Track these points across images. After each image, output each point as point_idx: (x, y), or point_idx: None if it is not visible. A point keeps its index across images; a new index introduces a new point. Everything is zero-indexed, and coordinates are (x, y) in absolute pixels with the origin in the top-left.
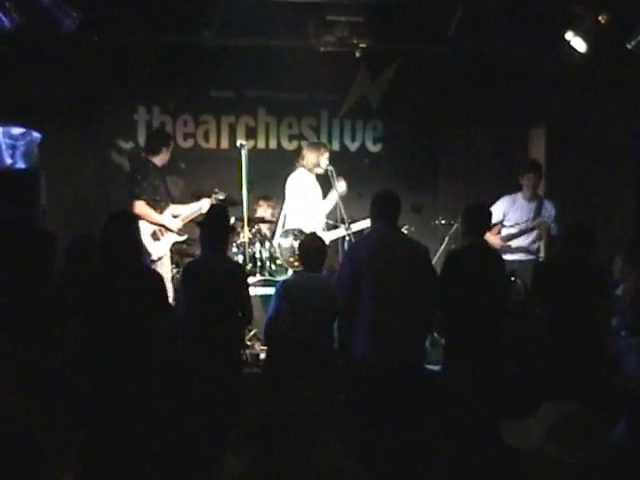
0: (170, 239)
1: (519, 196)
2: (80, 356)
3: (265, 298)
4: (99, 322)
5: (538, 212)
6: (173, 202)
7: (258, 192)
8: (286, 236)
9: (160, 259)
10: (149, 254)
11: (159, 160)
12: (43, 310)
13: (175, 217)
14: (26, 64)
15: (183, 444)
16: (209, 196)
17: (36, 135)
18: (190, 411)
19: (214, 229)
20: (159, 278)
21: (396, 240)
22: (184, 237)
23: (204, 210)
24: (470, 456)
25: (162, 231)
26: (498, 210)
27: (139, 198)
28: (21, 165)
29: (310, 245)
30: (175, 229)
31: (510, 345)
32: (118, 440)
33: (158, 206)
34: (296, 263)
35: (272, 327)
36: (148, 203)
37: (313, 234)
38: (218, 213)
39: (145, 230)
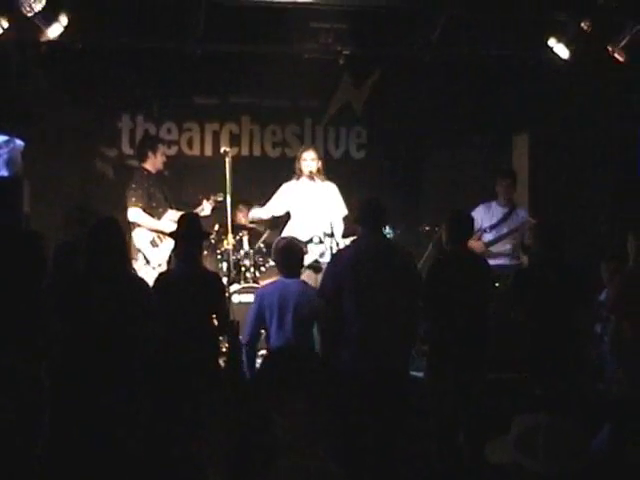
0: (170, 245)
1: (494, 203)
2: (60, 361)
3: (249, 305)
4: (80, 328)
5: (506, 218)
6: (171, 207)
7: (241, 198)
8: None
9: (160, 265)
10: (148, 261)
11: (151, 166)
12: (31, 313)
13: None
14: (9, 71)
15: (160, 454)
16: (208, 199)
17: (19, 143)
18: (164, 420)
19: (186, 238)
20: (144, 286)
21: (379, 248)
22: None
23: (205, 213)
24: (452, 461)
25: (161, 237)
26: (474, 218)
27: (135, 205)
28: (4, 173)
29: (285, 250)
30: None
31: (493, 351)
32: (95, 446)
33: (155, 212)
34: None
35: (251, 348)
36: (145, 210)
37: (289, 238)
38: (190, 221)
39: (144, 237)
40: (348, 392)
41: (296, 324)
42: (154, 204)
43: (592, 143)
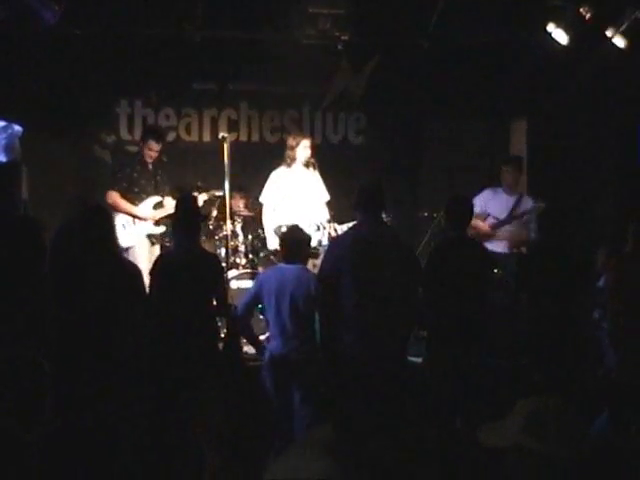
0: (141, 229)
1: (500, 189)
2: (54, 346)
3: (247, 291)
4: (75, 313)
5: (515, 206)
6: (157, 194)
7: (237, 185)
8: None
9: (130, 248)
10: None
11: (146, 154)
12: (30, 299)
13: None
14: (8, 57)
15: (159, 439)
16: (207, 192)
17: (18, 128)
18: (163, 405)
19: (184, 219)
20: (135, 270)
21: (379, 233)
22: (161, 229)
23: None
24: (451, 448)
25: (134, 221)
26: (478, 202)
27: (112, 189)
28: (2, 158)
29: (290, 236)
30: (148, 219)
31: (493, 338)
32: (93, 432)
33: (137, 198)
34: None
35: (243, 319)
36: (122, 194)
37: (295, 226)
38: (188, 203)
39: (117, 220)
40: (350, 375)
41: (292, 310)
42: (136, 189)
43: (590, 129)
